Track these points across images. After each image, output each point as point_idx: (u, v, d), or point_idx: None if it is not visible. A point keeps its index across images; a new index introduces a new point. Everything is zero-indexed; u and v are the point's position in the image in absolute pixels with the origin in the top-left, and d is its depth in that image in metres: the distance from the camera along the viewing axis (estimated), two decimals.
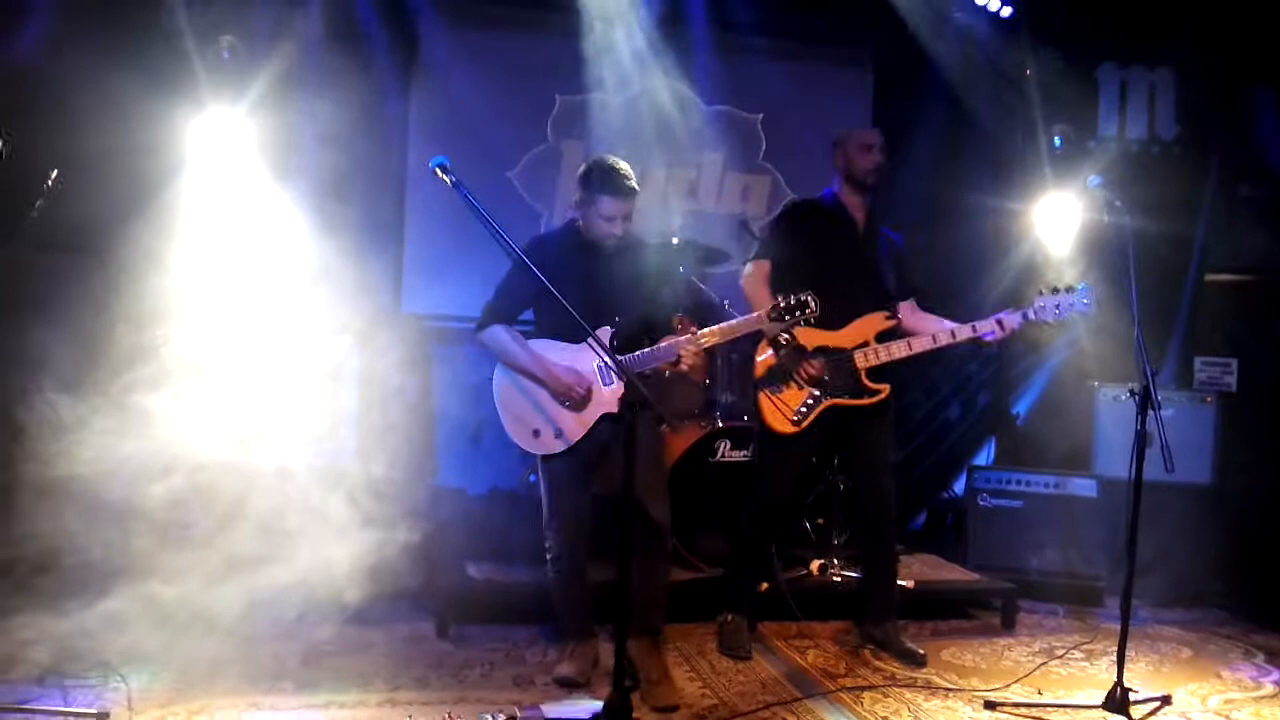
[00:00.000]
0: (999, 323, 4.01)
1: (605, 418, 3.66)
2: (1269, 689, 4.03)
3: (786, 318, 3.67)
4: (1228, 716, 3.70)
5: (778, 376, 4.08)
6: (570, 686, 3.63)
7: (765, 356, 4.12)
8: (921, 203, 6.08)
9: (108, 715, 3.18)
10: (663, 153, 6.02)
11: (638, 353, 3.63)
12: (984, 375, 6.51)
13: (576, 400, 3.65)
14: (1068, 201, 5.49)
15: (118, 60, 4.45)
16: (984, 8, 5.79)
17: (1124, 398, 5.14)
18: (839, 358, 4.07)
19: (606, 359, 3.46)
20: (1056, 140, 5.82)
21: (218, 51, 4.62)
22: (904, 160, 6.20)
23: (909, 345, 4.08)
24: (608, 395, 3.65)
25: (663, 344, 3.67)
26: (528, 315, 3.86)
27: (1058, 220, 5.52)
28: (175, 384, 4.25)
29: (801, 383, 4.05)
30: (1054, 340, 6.06)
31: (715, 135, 6.15)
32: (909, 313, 4.25)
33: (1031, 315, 4.00)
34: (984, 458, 6.28)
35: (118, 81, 4.37)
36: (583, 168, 3.74)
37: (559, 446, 3.68)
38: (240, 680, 3.53)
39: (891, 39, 5.78)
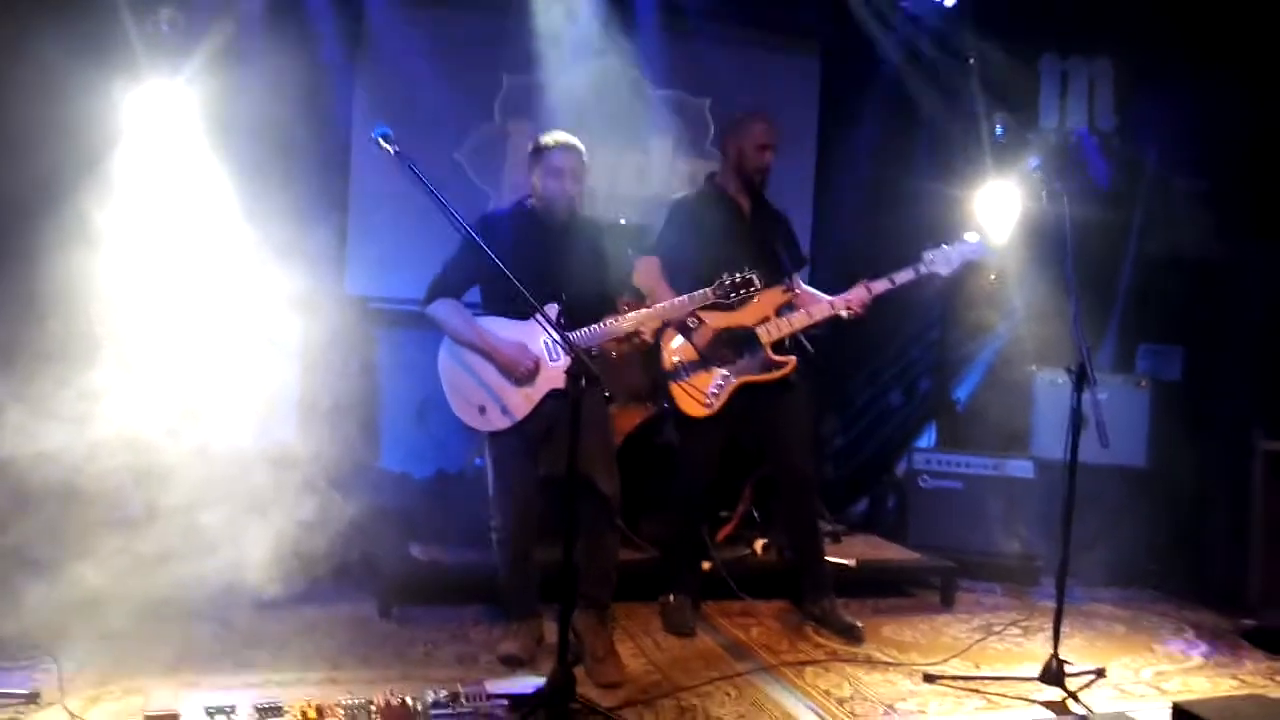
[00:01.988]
0: (890, 280, 4.11)
1: (552, 395, 3.64)
2: (1197, 660, 4.15)
3: (733, 295, 3.72)
4: (1159, 687, 3.81)
5: (687, 364, 4.11)
6: (514, 664, 3.62)
7: (677, 344, 4.14)
8: (866, 187, 6.16)
9: (38, 696, 3.11)
10: (611, 135, 6.00)
11: (585, 329, 3.63)
12: (926, 361, 6.61)
13: (524, 375, 3.64)
14: (1008, 189, 5.57)
15: (48, 31, 4.33)
16: None
17: (1060, 381, 5.28)
18: (743, 336, 4.10)
19: (554, 334, 3.46)
20: (998, 129, 5.92)
21: (156, 24, 4.52)
22: (850, 145, 6.29)
23: (809, 314, 4.14)
24: (555, 372, 3.63)
25: (610, 321, 3.67)
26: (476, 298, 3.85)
27: (999, 207, 5.60)
28: (109, 364, 4.16)
29: (711, 364, 4.08)
30: (994, 326, 6.18)
31: (664, 119, 6.15)
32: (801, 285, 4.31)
33: (923, 269, 4.12)
34: (925, 442, 6.36)
35: (48, 54, 4.26)
36: (532, 142, 3.80)
37: (505, 423, 3.67)
38: (177, 660, 3.49)
39: (839, 25, 5.82)
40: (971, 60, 5.90)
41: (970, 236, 4.20)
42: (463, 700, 3.15)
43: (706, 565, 4.46)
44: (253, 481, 4.06)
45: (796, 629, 4.23)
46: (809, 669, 3.76)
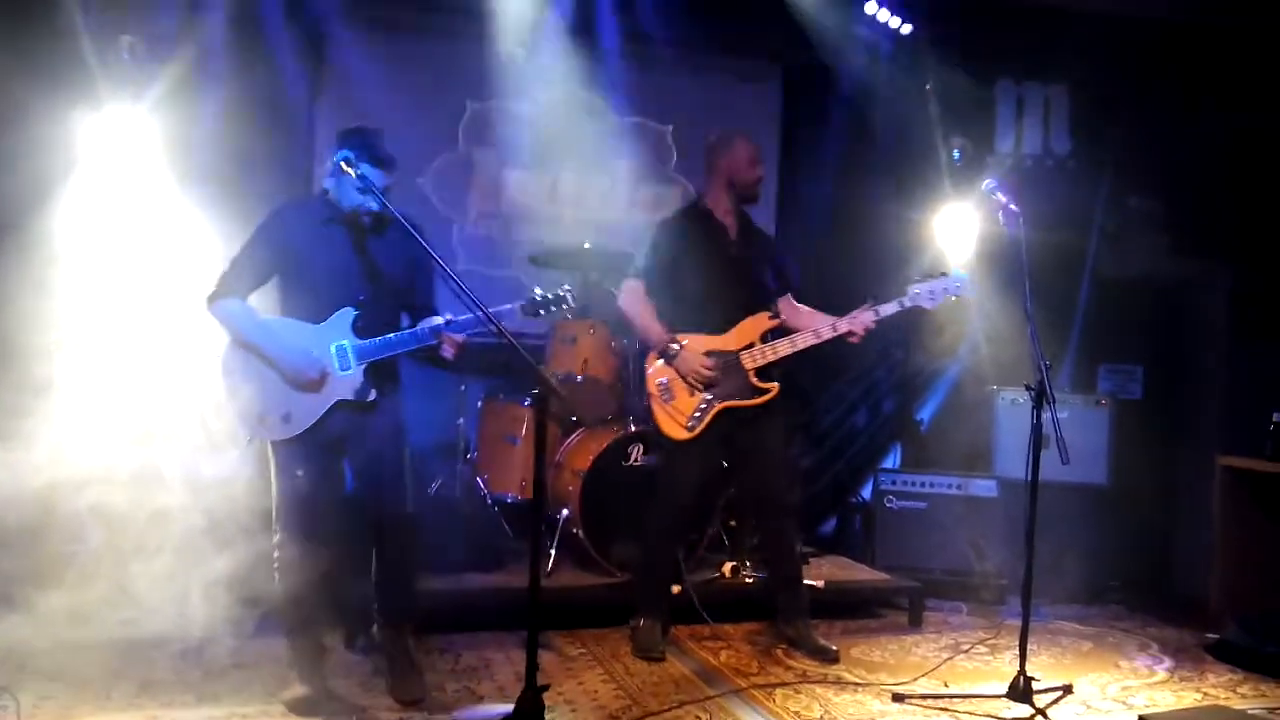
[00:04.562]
0: (875, 311, 4.11)
1: (341, 405, 3.45)
2: (1162, 675, 4.19)
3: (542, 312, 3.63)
4: (1125, 702, 3.83)
5: (670, 388, 4.12)
6: (303, 710, 3.39)
7: (656, 368, 4.15)
8: (826, 211, 6.23)
9: None
10: (576, 161, 6.06)
11: (393, 335, 3.45)
12: (889, 382, 6.66)
13: (309, 384, 3.42)
14: (966, 212, 5.66)
15: (7, 59, 4.29)
16: (885, 24, 5.96)
17: (1021, 400, 5.34)
18: (727, 360, 4.11)
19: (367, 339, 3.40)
20: (955, 153, 6.01)
21: (117, 51, 4.50)
22: (810, 170, 6.36)
23: (793, 342, 4.13)
24: (344, 382, 3.44)
25: (423, 326, 3.47)
26: None
27: (957, 230, 5.68)
28: (66, 395, 4.11)
29: (694, 388, 4.09)
30: (956, 348, 6.24)
31: (627, 146, 6.19)
32: (788, 308, 4.31)
33: (907, 302, 4.10)
34: (890, 463, 6.40)
35: (8, 82, 4.22)
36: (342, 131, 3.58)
37: (286, 433, 3.43)
38: (138, 694, 3.43)
39: (799, 52, 5.90)
40: (929, 86, 6.00)
41: (957, 271, 4.19)
42: None
43: (676, 589, 4.45)
44: (214, 513, 4.01)
45: (766, 651, 4.22)
46: (779, 691, 3.76)
